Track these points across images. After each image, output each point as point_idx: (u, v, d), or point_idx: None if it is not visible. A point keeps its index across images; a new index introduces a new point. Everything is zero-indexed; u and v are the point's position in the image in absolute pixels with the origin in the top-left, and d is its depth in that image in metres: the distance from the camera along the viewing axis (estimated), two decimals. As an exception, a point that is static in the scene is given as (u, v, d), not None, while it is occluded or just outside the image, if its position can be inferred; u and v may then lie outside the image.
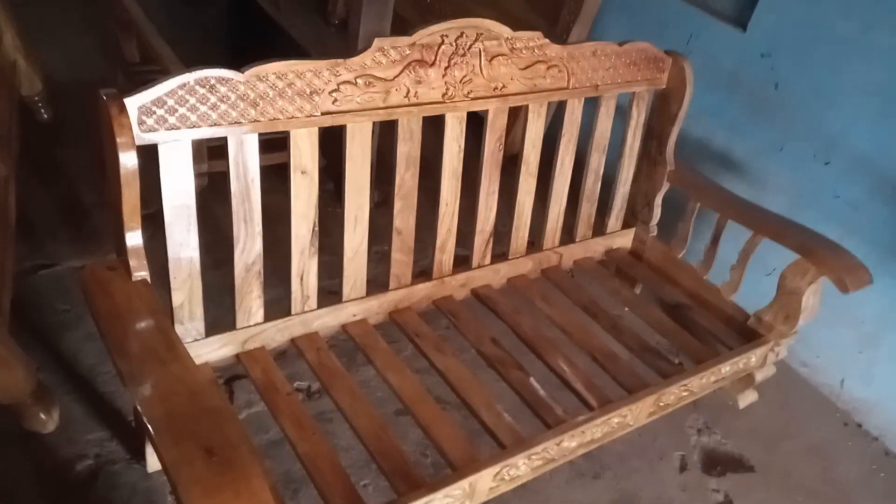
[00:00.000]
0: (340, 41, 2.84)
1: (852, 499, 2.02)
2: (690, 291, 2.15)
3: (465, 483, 1.43)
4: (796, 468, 2.06)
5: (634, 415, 1.72)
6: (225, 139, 1.44)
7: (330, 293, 1.77)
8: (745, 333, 2.01)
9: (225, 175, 1.48)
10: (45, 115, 2.70)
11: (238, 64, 1.41)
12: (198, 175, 1.64)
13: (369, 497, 1.72)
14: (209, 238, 1.68)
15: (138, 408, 1.12)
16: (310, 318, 1.73)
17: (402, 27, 1.57)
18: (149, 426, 1.09)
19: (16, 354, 1.52)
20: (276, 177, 1.70)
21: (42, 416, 1.65)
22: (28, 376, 1.56)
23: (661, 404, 1.78)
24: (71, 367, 1.86)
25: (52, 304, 2.01)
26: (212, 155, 2.51)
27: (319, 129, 1.55)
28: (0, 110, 2.07)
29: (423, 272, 1.95)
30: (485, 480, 1.47)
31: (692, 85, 2.04)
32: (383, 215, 1.77)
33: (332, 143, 1.64)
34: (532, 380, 1.72)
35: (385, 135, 1.69)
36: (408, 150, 1.69)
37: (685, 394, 1.83)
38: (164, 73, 2.43)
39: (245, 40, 3.46)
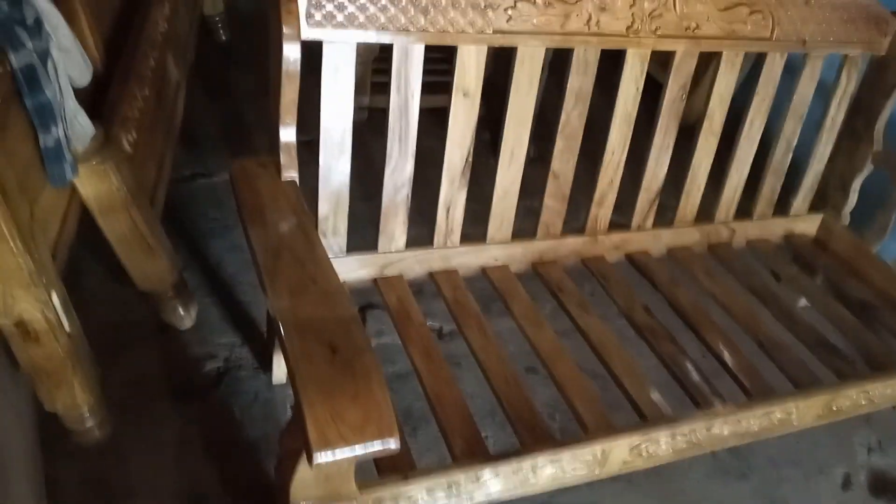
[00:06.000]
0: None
1: None
2: (882, 291, 1.86)
3: (597, 448, 1.29)
4: None
5: (801, 413, 1.49)
6: (390, 59, 1.36)
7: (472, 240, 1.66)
8: (946, 348, 1.71)
9: (384, 112, 1.41)
10: (224, 37, 2.78)
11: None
12: (358, 108, 1.59)
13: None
14: (362, 171, 1.63)
15: (268, 297, 1.07)
16: (450, 253, 1.63)
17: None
18: (276, 318, 1.03)
19: (163, 244, 1.54)
20: (433, 120, 1.62)
21: (180, 311, 1.67)
22: (171, 268, 1.57)
23: (834, 408, 1.54)
24: (213, 272, 1.88)
25: (204, 212, 2.06)
26: (374, 90, 2.50)
27: (489, 49, 1.44)
28: (181, 22, 2.13)
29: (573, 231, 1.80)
30: (620, 451, 1.32)
31: (919, 55, 1.75)
32: (537, 171, 1.65)
33: (492, 92, 1.54)
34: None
35: (551, 92, 1.57)
36: (580, 84, 1.55)
37: (864, 402, 1.57)
38: None
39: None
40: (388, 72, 1.40)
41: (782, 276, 1.93)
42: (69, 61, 1.25)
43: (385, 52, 1.47)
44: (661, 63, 1.65)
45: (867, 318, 1.81)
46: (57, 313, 1.19)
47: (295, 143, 1.31)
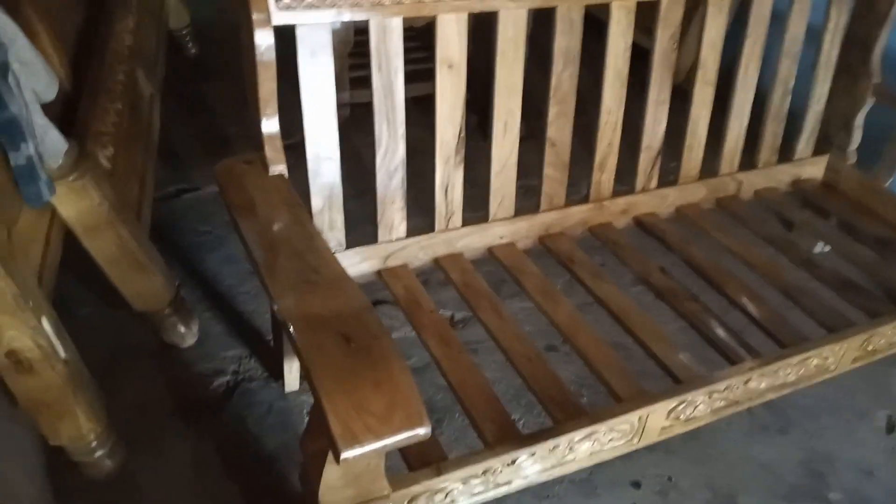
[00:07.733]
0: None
1: None
2: (900, 226, 1.80)
3: (634, 416, 1.22)
4: None
5: (837, 357, 1.43)
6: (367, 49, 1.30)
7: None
8: (975, 275, 1.65)
9: (368, 108, 1.36)
10: (193, 50, 2.71)
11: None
12: (340, 105, 1.53)
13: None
14: (351, 168, 1.57)
15: (270, 294, 1.00)
16: (454, 236, 1.57)
17: None
18: (282, 315, 0.96)
19: (155, 261, 1.47)
20: (419, 111, 1.56)
21: (181, 328, 1.60)
22: (167, 284, 1.50)
23: (870, 348, 1.48)
24: (211, 286, 1.82)
25: (194, 227, 2.00)
26: (354, 85, 2.43)
27: (469, 16, 1.38)
28: (147, 35, 2.06)
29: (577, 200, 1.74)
30: (657, 417, 1.26)
31: (910, -22, 1.69)
32: (530, 150, 1.59)
33: (476, 75, 1.47)
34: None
35: (534, 70, 1.52)
36: (567, 43, 1.48)
37: (899, 340, 1.52)
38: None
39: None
40: (366, 66, 1.34)
41: (795, 223, 1.88)
42: (32, 75, 1.18)
43: (361, 45, 1.40)
44: (646, 30, 1.59)
45: (889, 255, 1.75)
46: (49, 339, 1.12)
47: (279, 134, 1.25)
